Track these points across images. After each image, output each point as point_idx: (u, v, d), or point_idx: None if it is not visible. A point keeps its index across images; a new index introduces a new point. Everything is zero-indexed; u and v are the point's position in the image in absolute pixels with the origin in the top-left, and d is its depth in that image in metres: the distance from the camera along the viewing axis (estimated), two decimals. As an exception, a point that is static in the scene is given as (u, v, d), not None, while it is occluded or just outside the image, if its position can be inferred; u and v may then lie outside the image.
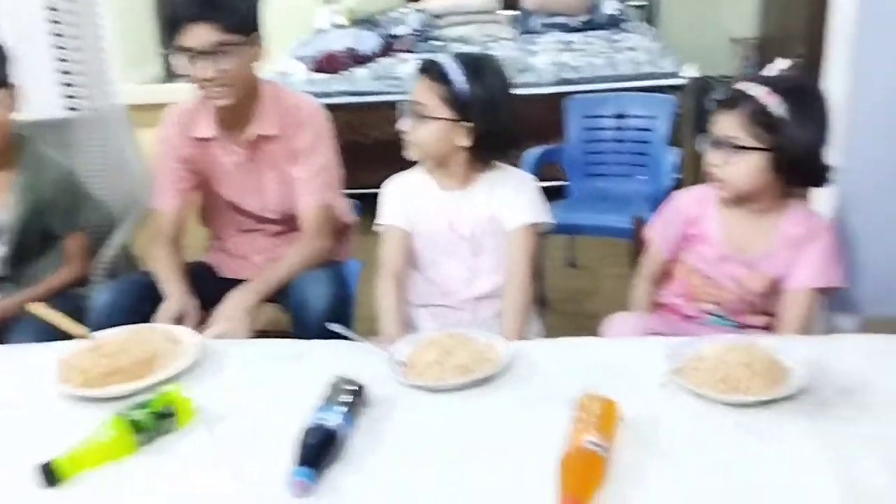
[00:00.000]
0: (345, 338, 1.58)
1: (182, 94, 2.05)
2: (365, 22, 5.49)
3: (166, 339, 1.55)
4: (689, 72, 4.05)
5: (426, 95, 1.76)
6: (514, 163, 2.02)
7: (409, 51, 4.88)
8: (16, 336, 1.89)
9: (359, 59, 4.62)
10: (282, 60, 4.76)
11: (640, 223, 2.00)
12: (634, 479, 1.13)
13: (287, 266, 1.97)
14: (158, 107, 2.14)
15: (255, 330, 1.87)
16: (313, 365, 1.49)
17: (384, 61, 4.69)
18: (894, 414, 1.26)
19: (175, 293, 1.89)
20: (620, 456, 1.17)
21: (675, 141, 3.25)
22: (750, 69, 5.34)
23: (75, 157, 2.47)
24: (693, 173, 1.81)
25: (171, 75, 1.88)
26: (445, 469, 1.18)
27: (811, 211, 1.80)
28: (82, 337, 1.56)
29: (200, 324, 1.81)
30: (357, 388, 1.31)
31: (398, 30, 5.22)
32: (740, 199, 1.73)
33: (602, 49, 4.69)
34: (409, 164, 1.90)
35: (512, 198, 1.84)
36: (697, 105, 3.87)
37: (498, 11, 5.56)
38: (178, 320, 1.79)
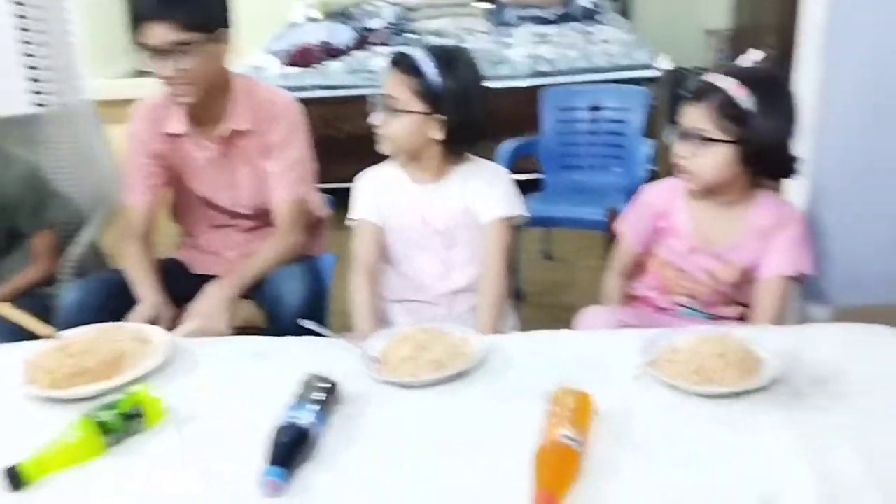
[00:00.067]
0: (318, 334, 1.56)
1: (152, 89, 2.02)
2: (339, 15, 5.46)
3: (135, 338, 1.52)
4: (664, 64, 4.06)
5: (398, 89, 1.74)
6: (489, 156, 2.01)
7: (383, 44, 4.84)
8: (-19, 337, 1.86)
9: (333, 53, 4.58)
10: (255, 54, 4.72)
11: (614, 215, 2.00)
12: (609, 473, 1.12)
13: (261, 261, 1.95)
14: (128, 102, 2.11)
15: (233, 326, 1.85)
16: (285, 362, 1.47)
17: (358, 55, 4.65)
18: (867, 403, 1.26)
19: (148, 296, 1.87)
20: (595, 449, 1.16)
21: (649, 133, 3.26)
22: (724, 61, 5.37)
23: (43, 154, 2.43)
24: (667, 165, 1.80)
25: (141, 71, 1.85)
26: (419, 465, 1.17)
27: (780, 200, 1.81)
28: (49, 337, 1.54)
29: (173, 322, 1.79)
30: (330, 385, 1.29)
31: (373, 23, 5.20)
32: (708, 191, 1.73)
33: (577, 41, 4.69)
34: (382, 158, 1.89)
35: (486, 191, 1.83)
36: (671, 97, 3.88)
37: (473, 4, 5.55)
38: (152, 324, 1.76)
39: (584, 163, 3.37)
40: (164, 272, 1.98)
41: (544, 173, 3.37)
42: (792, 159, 1.68)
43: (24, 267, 2.11)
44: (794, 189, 2.24)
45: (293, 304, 1.86)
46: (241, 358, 1.52)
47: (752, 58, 1.74)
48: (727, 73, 1.66)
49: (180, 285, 1.96)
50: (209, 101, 1.93)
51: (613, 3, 5.90)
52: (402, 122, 1.75)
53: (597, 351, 1.48)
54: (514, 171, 2.39)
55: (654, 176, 2.95)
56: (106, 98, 2.98)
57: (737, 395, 1.27)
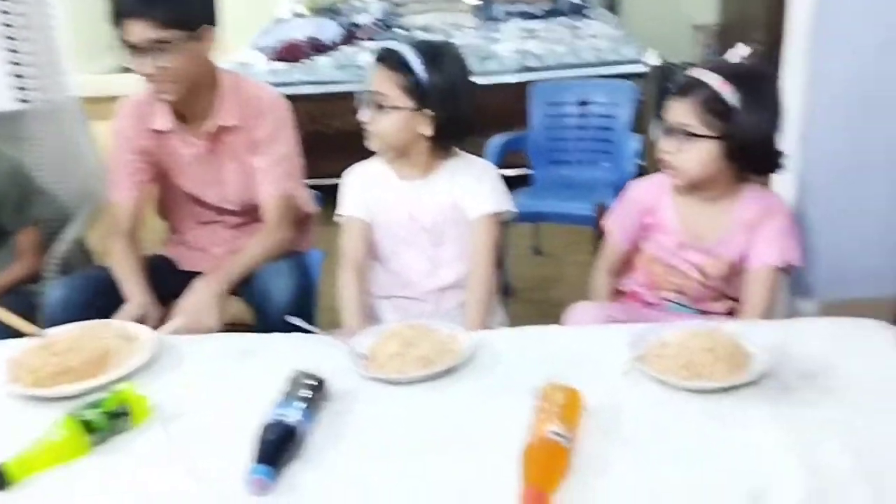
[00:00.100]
0: (305, 331, 1.55)
1: (138, 85, 2.00)
2: (326, 10, 5.44)
3: (120, 335, 1.51)
4: (651, 59, 4.06)
5: (385, 85, 1.73)
6: (478, 151, 2.00)
7: (370, 39, 4.84)
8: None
9: (320, 48, 4.57)
10: (242, 50, 4.69)
11: (602, 210, 2.00)
12: (598, 468, 1.12)
13: (249, 257, 1.94)
14: (113, 99, 2.09)
15: (222, 323, 1.83)
16: (272, 359, 1.46)
17: (346, 50, 4.64)
18: (856, 397, 1.26)
19: (135, 295, 1.85)
20: (584, 445, 1.16)
21: (637, 128, 3.27)
22: (711, 56, 5.38)
23: (27, 151, 2.42)
24: (655, 160, 1.80)
25: (126, 67, 1.84)
26: (407, 462, 1.16)
27: (765, 192, 1.80)
28: (33, 335, 1.52)
29: (161, 321, 1.77)
30: (317, 382, 1.28)
31: (360, 18, 5.18)
32: (693, 187, 1.73)
33: (564, 36, 4.69)
34: (370, 154, 1.87)
35: (473, 186, 1.82)
36: (659, 92, 3.89)
37: (461, -1, 5.54)
38: (139, 323, 1.75)
39: (573, 158, 3.38)
40: (150, 269, 1.97)
41: (533, 168, 3.36)
42: (777, 154, 1.68)
43: (8, 264, 2.10)
44: (781, 184, 2.25)
45: (281, 300, 1.85)
46: (227, 355, 1.51)
47: (739, 53, 1.74)
48: (712, 69, 1.66)
49: (167, 282, 1.95)
50: (195, 98, 1.91)
51: (601, -1, 5.91)
52: (390, 119, 1.74)
53: (585, 346, 1.47)
54: (503, 167, 2.39)
55: (642, 171, 2.95)
56: (91, 94, 2.96)
57: (726, 389, 1.27)
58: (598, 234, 2.01)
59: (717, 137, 1.63)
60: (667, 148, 1.69)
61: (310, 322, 1.58)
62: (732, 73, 1.63)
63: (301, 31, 4.80)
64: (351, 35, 4.89)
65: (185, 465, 1.17)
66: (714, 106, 1.61)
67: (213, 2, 1.88)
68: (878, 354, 1.39)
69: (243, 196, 2.06)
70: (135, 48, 1.78)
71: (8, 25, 2.54)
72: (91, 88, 3.14)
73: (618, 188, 1.99)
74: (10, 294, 1.97)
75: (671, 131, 1.67)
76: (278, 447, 1.14)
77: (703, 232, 1.76)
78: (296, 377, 1.28)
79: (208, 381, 1.42)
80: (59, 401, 1.32)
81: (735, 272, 1.76)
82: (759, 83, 1.66)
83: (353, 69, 4.19)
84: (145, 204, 2.08)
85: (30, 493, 1.13)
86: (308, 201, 2.18)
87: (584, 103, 3.35)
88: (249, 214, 2.08)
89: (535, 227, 3.60)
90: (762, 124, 1.64)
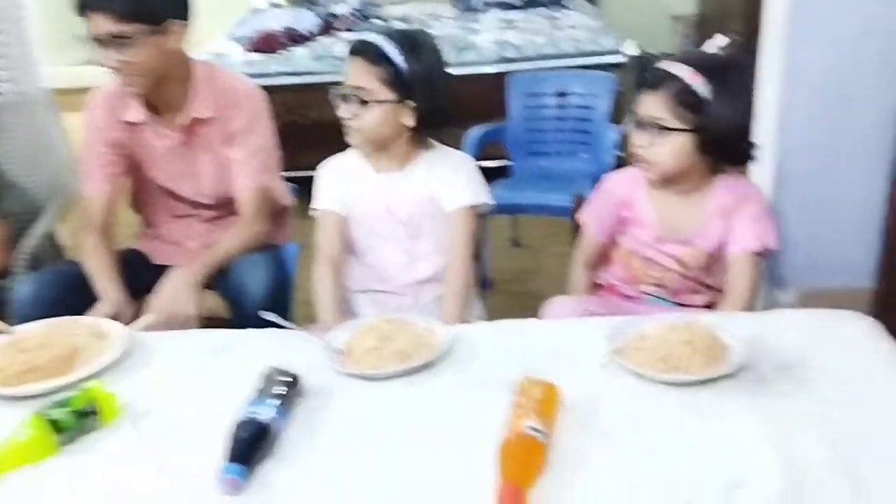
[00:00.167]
0: (280, 326, 1.53)
1: (109, 77, 1.97)
2: (303, 1, 5.39)
3: (91, 332, 1.48)
4: (630, 49, 4.06)
5: (365, 79, 1.70)
6: (457, 143, 1.99)
7: (348, 30, 4.80)
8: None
9: (297, 39, 4.53)
10: (217, 41, 4.64)
11: (581, 201, 1.99)
12: (576, 462, 1.11)
13: (225, 249, 1.92)
14: (86, 90, 2.05)
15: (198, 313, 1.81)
16: (246, 355, 1.44)
17: (323, 41, 4.60)
18: (833, 388, 1.26)
19: (108, 293, 1.83)
20: (561, 439, 1.15)
21: (616, 119, 3.26)
22: (689, 46, 5.39)
23: (-3, 143, 2.37)
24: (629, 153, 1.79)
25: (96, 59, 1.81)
26: (383, 459, 1.15)
27: (737, 179, 1.79)
28: (0, 332, 1.49)
29: (135, 317, 1.74)
30: (291, 378, 1.26)
31: (337, 8, 5.14)
32: (667, 180, 1.72)
33: (543, 27, 4.68)
34: (348, 146, 1.85)
35: (451, 178, 1.81)
36: (638, 83, 3.88)
37: (439, -11, 5.51)
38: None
39: (552, 149, 3.37)
40: (123, 263, 1.94)
41: (512, 160, 3.35)
42: (750, 145, 1.68)
43: (-24, 259, 2.06)
44: (758, 174, 2.25)
45: (257, 293, 1.84)
46: (200, 351, 1.48)
47: (717, 44, 1.73)
48: (682, 61, 1.64)
49: (140, 277, 1.92)
50: (166, 90, 1.89)
51: (580, -11, 5.89)
52: (374, 114, 1.71)
53: (563, 340, 1.46)
54: (482, 158, 2.38)
55: (620, 162, 2.94)
56: (63, 86, 2.91)
57: (703, 382, 1.26)
58: (577, 226, 2.00)
59: (690, 130, 1.62)
60: (639, 142, 1.68)
61: (286, 316, 1.56)
62: (702, 65, 1.62)
63: (278, 21, 4.76)
64: (328, 26, 4.85)
65: (156, 465, 1.15)
66: (686, 98, 1.60)
67: None
68: (855, 345, 1.39)
69: (218, 189, 2.03)
70: (98, 41, 1.75)
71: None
72: (63, 80, 3.09)
73: (596, 179, 1.98)
74: (-22, 290, 1.93)
75: (643, 125, 1.66)
76: (251, 445, 1.12)
77: (679, 224, 1.76)
78: (269, 374, 1.26)
79: (180, 378, 1.40)
80: (26, 400, 1.29)
81: (713, 261, 1.76)
82: (730, 73, 1.65)
83: (330, 60, 4.15)
84: (118, 197, 2.04)
85: (-4, 495, 1.10)
86: (285, 194, 2.16)
87: (562, 94, 3.34)
88: (225, 208, 2.06)
89: (514, 218, 3.59)
90: (734, 115, 1.63)
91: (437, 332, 1.45)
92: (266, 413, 1.17)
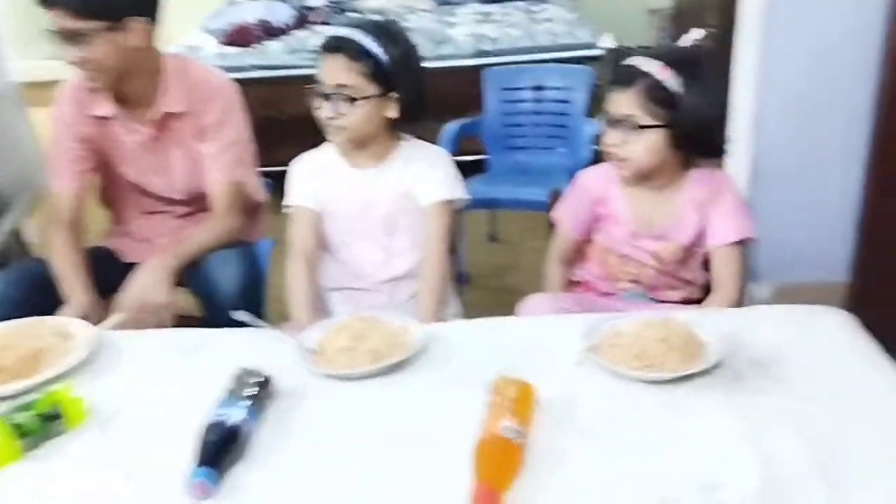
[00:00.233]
0: (253, 325, 1.50)
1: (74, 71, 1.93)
2: (278, -8, 5.32)
3: (57, 333, 1.44)
4: (607, 42, 4.05)
5: (349, 76, 1.66)
6: (433, 137, 1.97)
7: (324, 23, 4.75)
8: None
9: (272, 32, 4.48)
10: (192, 33, 4.59)
11: (557, 196, 1.98)
12: (552, 461, 1.10)
13: (197, 243, 1.89)
14: (54, 84, 2.01)
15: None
16: (216, 355, 1.41)
17: (298, 34, 4.56)
18: (808, 384, 1.26)
19: (76, 294, 1.79)
20: (538, 437, 1.13)
21: (593, 112, 3.25)
22: (666, 40, 5.40)
23: (-38, 138, 2.32)
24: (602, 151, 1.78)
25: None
26: (356, 460, 1.13)
27: (710, 171, 1.78)
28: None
29: (103, 316, 1.71)
30: (263, 379, 1.24)
31: (312, 1, 5.09)
32: (641, 178, 1.71)
33: (520, 20, 4.67)
34: (324, 141, 1.82)
35: (426, 173, 1.79)
36: (611, 79, 3.88)
37: (415, -19, 5.46)
38: None
39: (528, 143, 3.36)
40: (93, 261, 1.90)
41: (488, 154, 3.34)
42: (723, 137, 1.67)
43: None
44: (734, 168, 2.26)
45: (229, 290, 1.81)
46: (169, 351, 1.45)
47: (693, 37, 1.72)
48: (652, 56, 1.63)
49: (109, 276, 1.88)
50: (134, 85, 1.85)
51: (556, -18, 5.88)
52: (361, 111, 1.68)
53: (539, 337, 1.45)
54: (459, 153, 2.36)
55: (597, 156, 2.93)
56: (31, 80, 2.87)
57: (680, 379, 1.26)
58: (553, 222, 1.99)
59: (663, 126, 1.61)
60: (612, 140, 1.66)
61: (258, 313, 1.53)
62: (672, 59, 1.61)
63: (252, 13, 4.71)
64: (303, 18, 4.80)
65: (123, 469, 1.12)
66: (657, 94, 1.59)
67: None
68: (831, 340, 1.39)
69: (191, 185, 2.00)
70: (58, 35, 1.72)
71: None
72: (30, 74, 3.04)
73: (573, 173, 1.97)
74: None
75: (616, 123, 1.65)
76: (220, 448, 1.10)
77: (654, 219, 1.75)
78: (240, 375, 1.24)
79: (149, 379, 1.37)
80: (-10, 403, 1.26)
81: (689, 255, 1.76)
82: (700, 66, 1.64)
83: (305, 53, 4.11)
84: (87, 194, 2.00)
85: (-42, 502, 1.08)
86: (258, 189, 2.12)
87: (539, 88, 3.33)
88: (197, 204, 2.03)
89: (492, 213, 3.57)
90: (707, 107, 1.62)
91: (411, 330, 1.43)
92: (236, 415, 1.14)
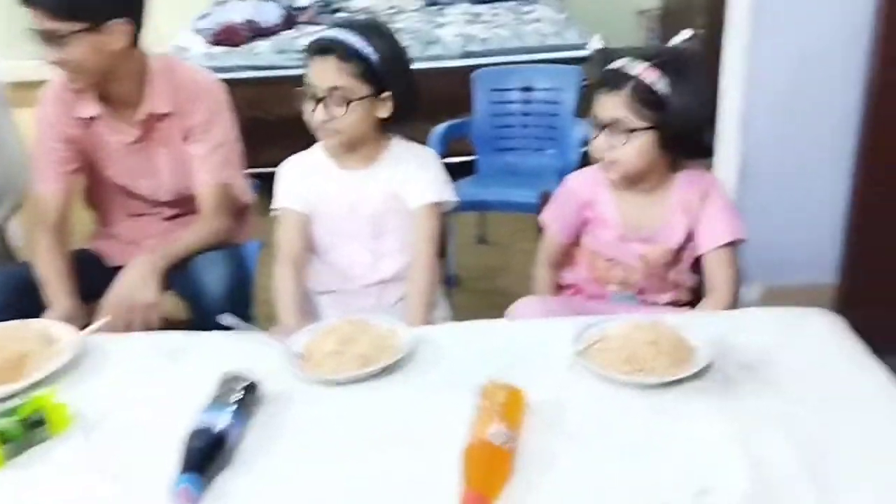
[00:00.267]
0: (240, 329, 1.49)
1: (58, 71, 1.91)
2: (266, -7, 5.29)
3: (40, 337, 1.43)
4: (595, 43, 4.05)
5: (340, 77, 1.65)
6: (422, 138, 1.96)
7: (312, 23, 4.73)
8: None
9: (260, 32, 4.46)
10: (179, 34, 4.56)
11: (547, 198, 1.97)
12: (542, 465, 1.09)
13: (184, 244, 1.87)
14: (38, 84, 1.99)
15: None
16: (202, 359, 1.40)
17: (287, 34, 4.54)
18: (798, 387, 1.26)
19: (59, 300, 1.77)
20: (528, 442, 1.13)
21: (582, 113, 3.24)
22: (655, 40, 5.41)
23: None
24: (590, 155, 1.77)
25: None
26: (344, 466, 1.12)
27: (698, 172, 1.77)
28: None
29: (88, 321, 1.69)
30: (249, 384, 1.23)
31: (301, 1, 5.07)
32: (630, 181, 1.70)
33: (509, 21, 4.66)
34: (314, 141, 1.81)
35: (415, 175, 1.78)
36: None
37: (404, -18, 5.45)
38: None
39: (518, 144, 3.34)
40: (77, 265, 1.88)
41: (477, 155, 3.32)
42: (710, 139, 1.67)
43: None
44: (722, 168, 2.26)
45: (216, 292, 1.79)
46: (155, 356, 1.44)
47: (682, 37, 1.72)
48: (638, 58, 1.63)
49: (94, 279, 1.85)
50: (119, 86, 1.84)
51: (545, -18, 5.88)
52: (355, 113, 1.67)
53: (529, 341, 1.44)
54: (448, 154, 2.35)
55: (587, 157, 2.93)
56: (15, 80, 2.84)
57: (670, 383, 1.25)
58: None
59: (652, 127, 1.60)
60: (601, 144, 1.66)
61: (246, 316, 1.52)
62: (658, 61, 1.61)
63: (240, 13, 4.67)
64: (291, 18, 4.78)
65: (108, 475, 1.11)
66: (645, 96, 1.59)
67: None
68: (820, 343, 1.39)
69: (178, 186, 1.98)
70: (38, 36, 1.70)
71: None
72: (15, 74, 3.01)
73: (563, 175, 1.96)
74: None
75: (605, 126, 1.64)
76: (206, 455, 1.09)
77: (642, 222, 1.75)
78: (226, 380, 1.22)
79: (134, 384, 1.36)
80: (-28, 409, 1.24)
81: (678, 258, 1.75)
82: (686, 66, 1.64)
83: (293, 54, 4.08)
84: (73, 196, 1.98)
85: (-62, 511, 1.06)
86: (246, 191, 2.11)
87: (528, 89, 3.31)
88: (184, 205, 2.01)
89: (481, 215, 3.56)
90: (694, 107, 1.62)
91: (400, 333, 1.42)
92: (222, 421, 1.13)
